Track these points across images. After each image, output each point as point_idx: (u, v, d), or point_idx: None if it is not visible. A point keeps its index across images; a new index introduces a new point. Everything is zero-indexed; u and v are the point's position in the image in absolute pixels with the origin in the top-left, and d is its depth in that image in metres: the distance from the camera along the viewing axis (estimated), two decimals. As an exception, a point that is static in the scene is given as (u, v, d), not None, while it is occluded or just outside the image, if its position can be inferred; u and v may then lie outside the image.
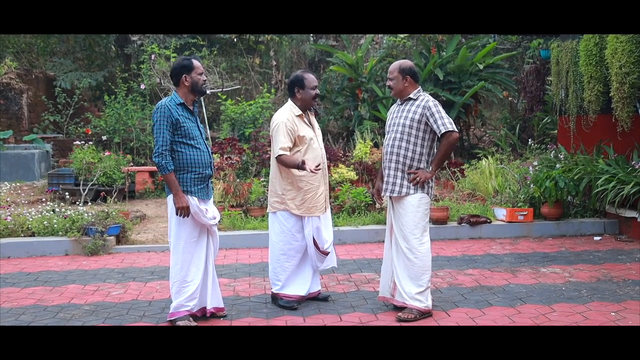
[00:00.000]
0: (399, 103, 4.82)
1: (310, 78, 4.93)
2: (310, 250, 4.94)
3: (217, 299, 4.67)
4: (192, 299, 4.48)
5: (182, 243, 4.43)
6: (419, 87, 4.78)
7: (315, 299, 5.11)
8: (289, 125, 4.79)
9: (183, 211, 4.33)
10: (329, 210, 5.13)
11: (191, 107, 4.49)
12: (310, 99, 4.92)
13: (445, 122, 4.58)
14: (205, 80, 4.49)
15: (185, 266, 4.44)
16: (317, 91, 4.94)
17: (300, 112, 4.89)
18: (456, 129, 4.62)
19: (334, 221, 7.69)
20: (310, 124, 4.97)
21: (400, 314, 4.65)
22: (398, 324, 4.50)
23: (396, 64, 4.77)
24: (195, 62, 4.44)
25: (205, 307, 4.60)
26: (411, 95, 4.72)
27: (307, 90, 4.90)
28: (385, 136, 4.83)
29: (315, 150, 4.88)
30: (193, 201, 4.39)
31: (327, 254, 5.00)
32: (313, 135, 4.92)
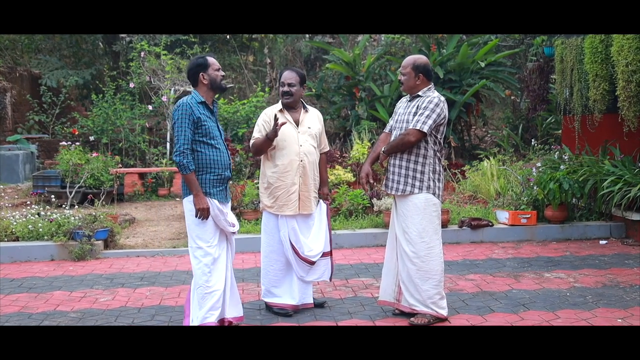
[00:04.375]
0: (408, 99, 4.83)
1: (284, 75, 5.04)
2: (288, 253, 4.94)
3: (236, 308, 4.57)
4: (216, 309, 4.35)
5: (203, 247, 4.36)
6: (431, 85, 4.76)
7: (313, 305, 5.11)
8: (265, 118, 4.97)
9: (203, 213, 4.29)
10: (321, 217, 5.09)
11: (212, 107, 4.49)
12: (281, 96, 5.03)
13: (420, 120, 4.54)
14: (223, 76, 4.53)
15: (207, 272, 4.34)
16: (286, 88, 4.98)
17: (281, 108, 5.00)
18: (423, 133, 4.54)
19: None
20: (296, 121, 4.98)
21: (412, 319, 4.66)
22: (393, 324, 4.50)
23: (411, 59, 4.76)
24: (211, 59, 4.46)
25: (224, 318, 4.50)
26: (419, 93, 4.72)
27: (280, 88, 5.05)
28: (393, 132, 4.83)
29: (289, 146, 4.90)
30: (213, 203, 4.37)
31: (311, 262, 4.96)
32: (294, 132, 4.94)
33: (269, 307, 5.05)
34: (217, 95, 4.63)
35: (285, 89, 4.97)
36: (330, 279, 5.18)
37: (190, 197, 4.35)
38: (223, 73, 4.53)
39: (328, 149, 5.25)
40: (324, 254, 5.06)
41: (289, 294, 4.99)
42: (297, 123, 4.98)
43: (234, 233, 4.55)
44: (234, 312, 4.55)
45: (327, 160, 5.34)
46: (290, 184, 4.90)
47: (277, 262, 4.99)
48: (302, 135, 4.95)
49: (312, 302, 5.09)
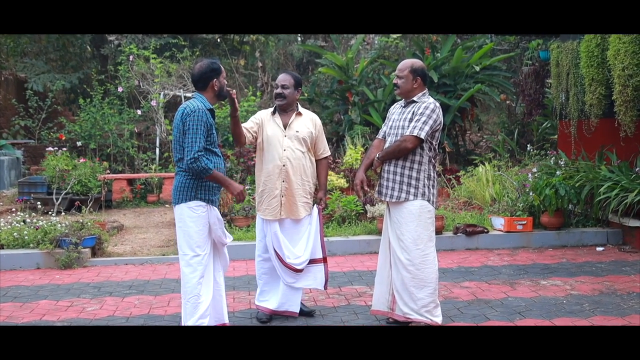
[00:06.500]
0: (403, 105, 4.84)
1: (278, 77, 5.11)
2: (272, 259, 4.99)
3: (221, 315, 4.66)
4: (205, 317, 4.41)
5: (201, 255, 4.39)
6: (426, 90, 4.80)
7: (300, 313, 5.10)
8: (256, 116, 5.08)
9: (243, 194, 4.47)
10: (311, 222, 5.08)
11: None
12: (274, 98, 5.09)
13: (417, 126, 4.57)
14: (226, 84, 4.59)
15: (201, 281, 4.38)
16: (279, 90, 5.02)
17: (273, 110, 5.07)
18: (420, 139, 4.58)
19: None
20: (285, 124, 5.00)
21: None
22: (385, 324, 4.49)
23: (408, 62, 4.79)
24: (221, 66, 4.51)
25: (226, 323, 4.58)
26: (415, 98, 4.74)
27: (274, 90, 5.13)
28: (387, 138, 4.84)
29: (274, 149, 4.94)
30: (215, 211, 4.43)
31: (296, 270, 4.94)
32: (279, 135, 4.96)
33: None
34: None
35: (279, 90, 5.00)
36: (325, 287, 5.15)
37: (185, 204, 4.36)
38: (226, 81, 4.60)
39: (328, 154, 5.23)
40: (315, 261, 5.04)
41: (273, 297, 5.05)
42: (285, 126, 4.99)
43: (224, 244, 4.58)
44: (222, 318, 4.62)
45: (327, 166, 5.29)
46: (272, 188, 4.95)
47: (265, 263, 5.09)
48: (288, 139, 4.96)
49: (297, 310, 5.07)
